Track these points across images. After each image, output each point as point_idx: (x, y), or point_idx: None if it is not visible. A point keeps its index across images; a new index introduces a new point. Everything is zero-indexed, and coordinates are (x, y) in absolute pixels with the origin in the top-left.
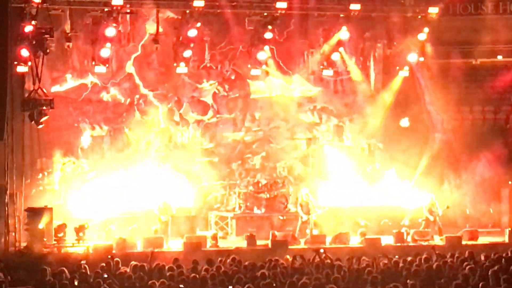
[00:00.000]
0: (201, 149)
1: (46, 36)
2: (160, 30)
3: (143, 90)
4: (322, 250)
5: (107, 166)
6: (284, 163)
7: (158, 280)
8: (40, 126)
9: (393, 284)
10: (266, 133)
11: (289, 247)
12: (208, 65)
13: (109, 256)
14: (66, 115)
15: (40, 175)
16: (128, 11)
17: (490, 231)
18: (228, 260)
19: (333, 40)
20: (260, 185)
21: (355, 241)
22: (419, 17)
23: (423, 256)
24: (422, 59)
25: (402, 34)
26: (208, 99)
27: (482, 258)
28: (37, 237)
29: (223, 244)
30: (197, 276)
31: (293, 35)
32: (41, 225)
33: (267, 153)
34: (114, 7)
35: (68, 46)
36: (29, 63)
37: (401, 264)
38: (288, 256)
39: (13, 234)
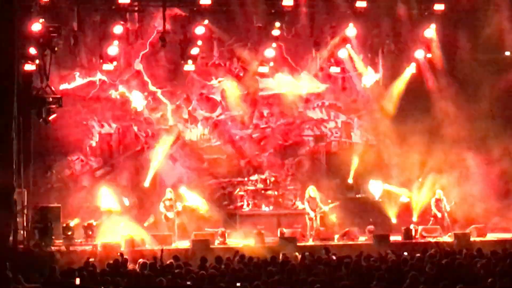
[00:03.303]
0: (209, 146)
1: (54, 34)
2: (168, 27)
3: (152, 88)
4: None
5: (115, 164)
6: (292, 160)
7: (166, 278)
8: (48, 124)
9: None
10: (274, 130)
11: (298, 244)
12: (216, 62)
13: (118, 254)
14: (74, 113)
15: (49, 173)
16: (136, 8)
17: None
18: (236, 258)
19: (341, 37)
20: (268, 182)
21: (363, 238)
22: (426, 13)
23: (431, 253)
24: (429, 55)
25: (409, 30)
26: (217, 96)
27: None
28: (45, 235)
29: (231, 242)
30: (205, 273)
31: (301, 32)
32: (49, 223)
33: (275, 150)
34: (122, 5)
35: (75, 44)
36: (37, 61)
37: (409, 261)
38: (296, 253)
39: (22, 232)
